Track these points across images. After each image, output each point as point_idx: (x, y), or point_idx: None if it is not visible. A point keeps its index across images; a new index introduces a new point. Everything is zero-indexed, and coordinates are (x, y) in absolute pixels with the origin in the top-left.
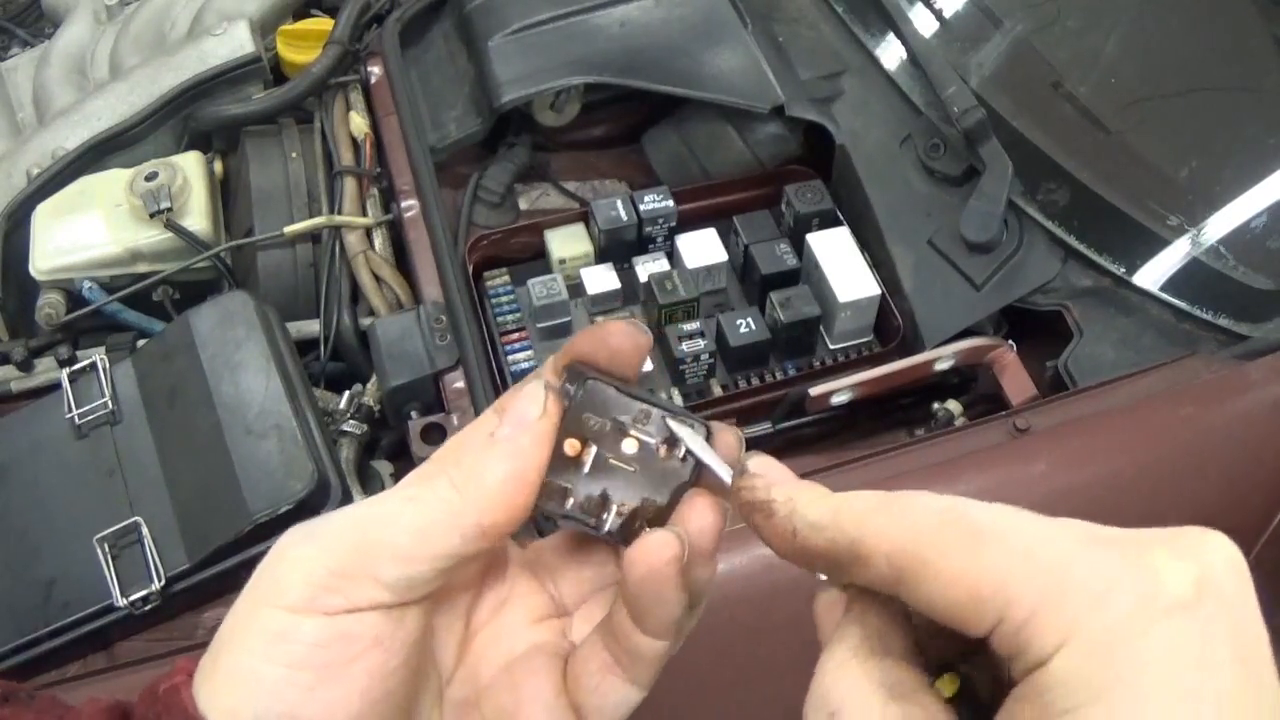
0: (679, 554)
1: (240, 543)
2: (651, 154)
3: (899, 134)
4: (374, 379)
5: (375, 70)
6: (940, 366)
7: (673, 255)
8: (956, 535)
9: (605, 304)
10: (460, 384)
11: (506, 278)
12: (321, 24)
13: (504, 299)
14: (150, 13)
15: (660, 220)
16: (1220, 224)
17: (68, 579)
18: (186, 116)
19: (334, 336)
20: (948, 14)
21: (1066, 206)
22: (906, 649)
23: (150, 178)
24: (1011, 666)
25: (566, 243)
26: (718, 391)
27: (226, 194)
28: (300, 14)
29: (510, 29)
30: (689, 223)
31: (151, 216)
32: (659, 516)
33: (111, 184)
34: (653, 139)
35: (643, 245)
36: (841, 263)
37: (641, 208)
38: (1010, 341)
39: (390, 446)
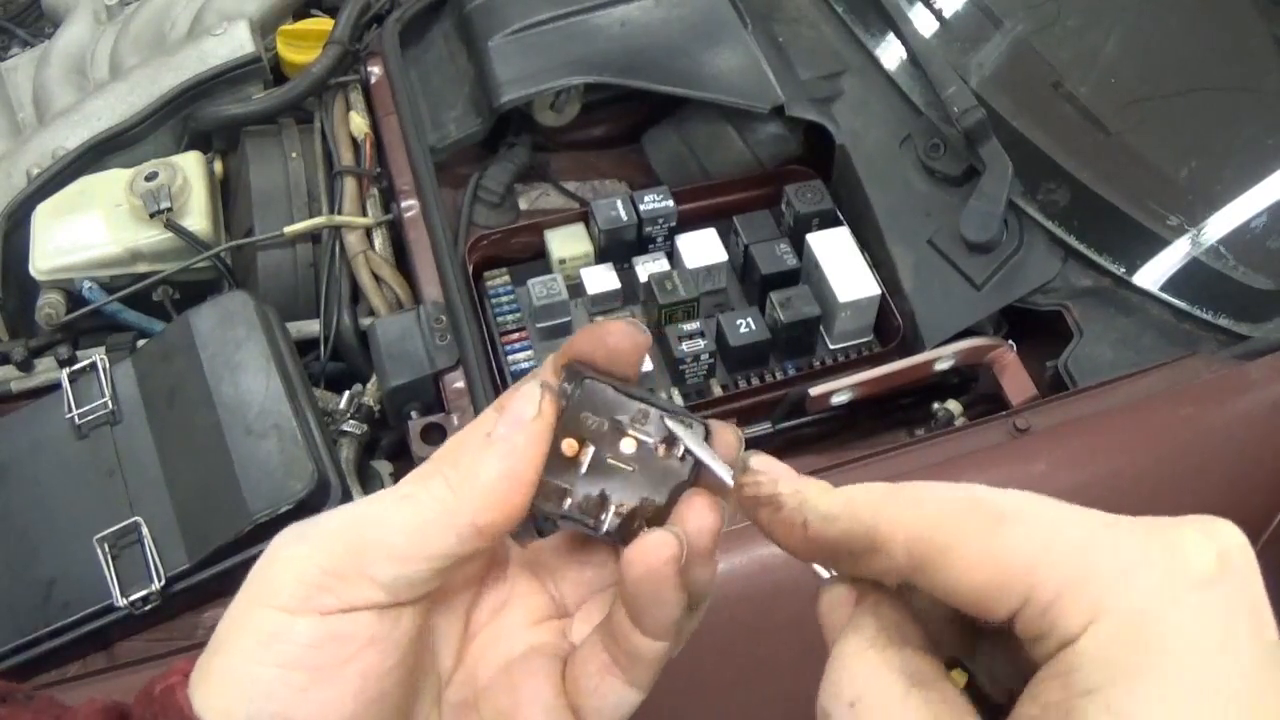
0: (677, 554)
1: (240, 543)
2: (651, 154)
3: (899, 134)
4: (374, 379)
5: (375, 70)
6: (940, 366)
7: (673, 255)
8: (978, 519)
9: (605, 304)
10: (460, 384)
11: (506, 278)
12: (321, 24)
13: (504, 299)
14: (150, 13)
15: (660, 220)
16: (1220, 224)
17: (68, 579)
18: (186, 116)
19: (334, 336)
20: (948, 14)
21: (1066, 206)
22: (921, 640)
23: (150, 178)
24: (1034, 649)
25: (566, 243)
26: (718, 391)
27: (226, 194)
28: (300, 14)
29: (510, 29)
30: (689, 223)
31: (151, 216)
32: (658, 516)
33: (111, 184)
34: (653, 139)
35: (643, 245)
36: (841, 263)
37: (641, 208)
38: (1010, 341)
39: (390, 446)
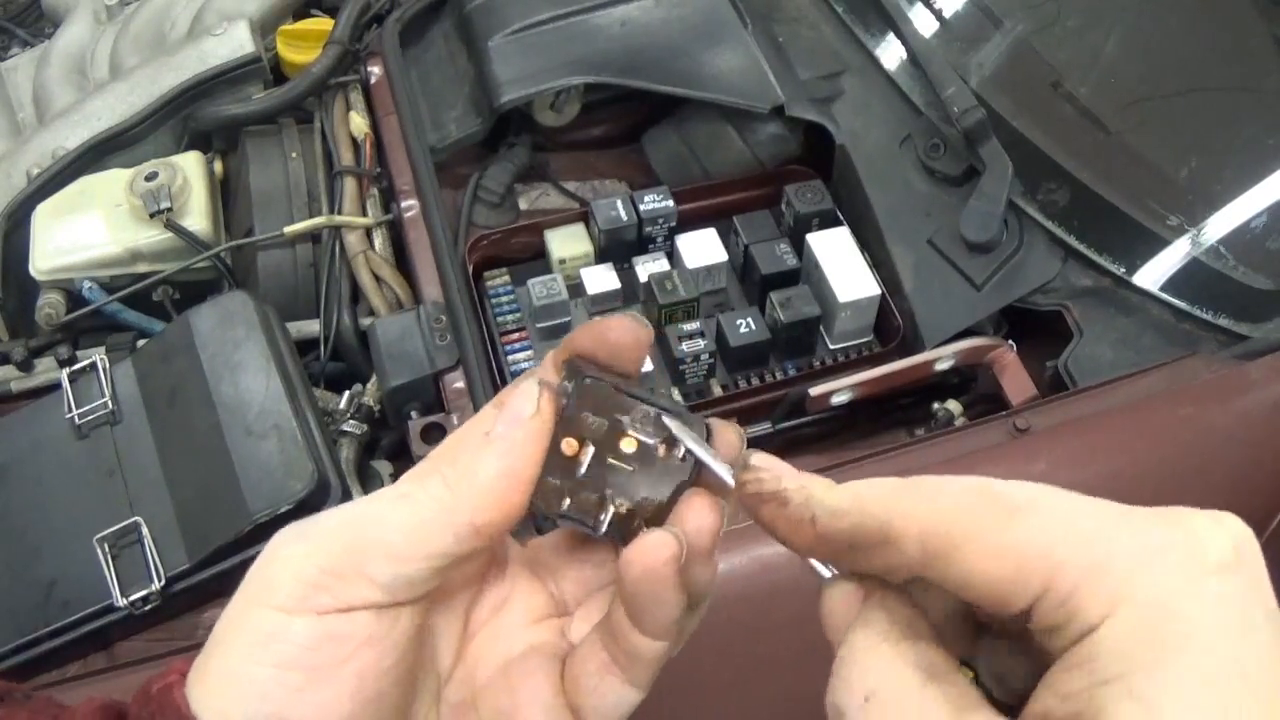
0: (676, 554)
1: (240, 543)
2: (651, 154)
3: (899, 134)
4: (374, 379)
5: (375, 70)
6: (940, 366)
7: (673, 255)
8: (994, 510)
9: (605, 304)
10: (460, 384)
11: (506, 278)
12: (321, 24)
13: (504, 299)
14: (150, 13)
15: (660, 220)
16: (1220, 224)
17: (68, 579)
18: (186, 116)
19: (334, 336)
20: (948, 14)
21: (1066, 206)
22: (931, 635)
23: (150, 178)
24: (1050, 642)
25: (566, 243)
26: (718, 391)
27: (226, 194)
28: (300, 14)
29: (510, 29)
30: (689, 223)
31: (151, 216)
32: (657, 516)
33: (111, 184)
34: (653, 139)
35: (643, 245)
36: (841, 263)
37: (641, 208)
38: (1010, 341)
39: (390, 446)
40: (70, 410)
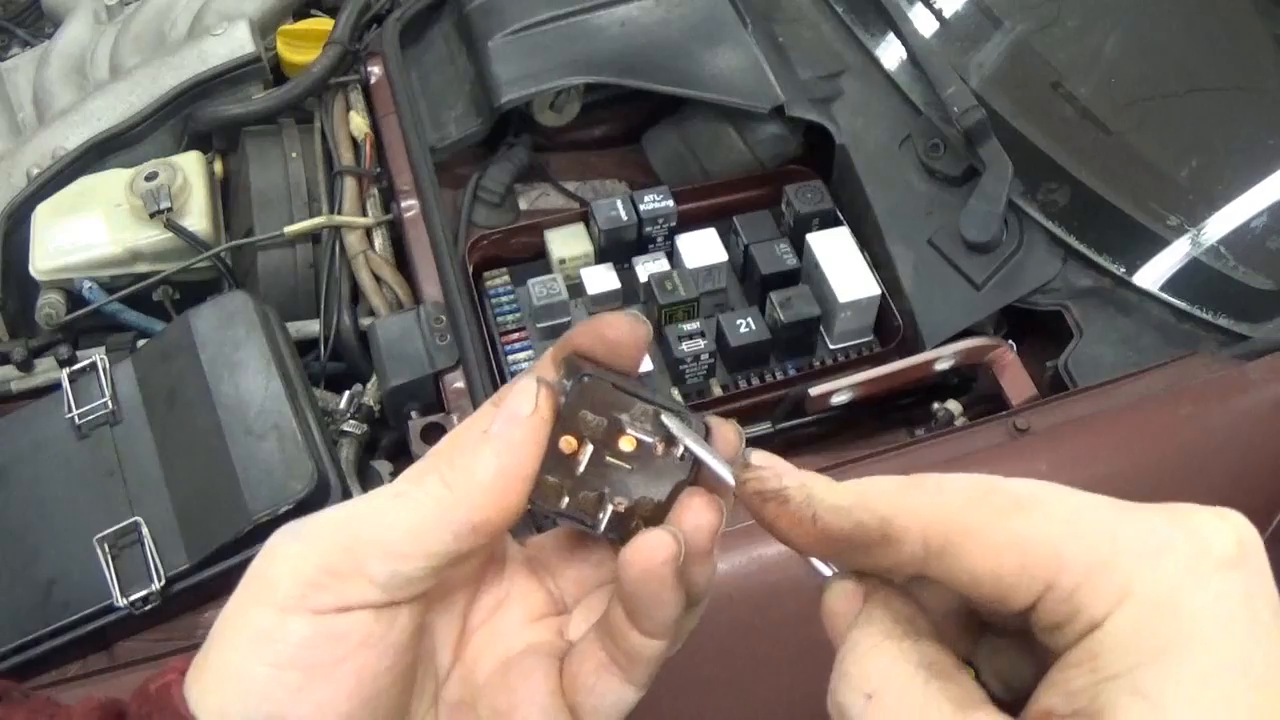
0: (675, 553)
1: (240, 543)
2: (651, 154)
3: (899, 134)
4: (374, 379)
5: (375, 70)
6: (940, 366)
7: (673, 255)
8: (997, 506)
9: (605, 304)
10: (460, 384)
11: (506, 278)
12: (321, 24)
13: (504, 299)
14: (150, 13)
15: (660, 220)
16: (1220, 224)
17: (68, 579)
18: (186, 116)
19: (334, 336)
20: (948, 14)
21: (1066, 206)
22: (933, 633)
23: (150, 178)
24: (1053, 639)
25: (566, 243)
26: (718, 391)
27: (226, 194)
28: (300, 14)
29: (510, 29)
30: (689, 223)
31: (151, 216)
32: (656, 515)
33: (111, 184)
34: (653, 139)
35: (643, 245)
36: (841, 263)
37: (641, 208)
38: (1010, 341)
39: (390, 446)
40: (70, 410)
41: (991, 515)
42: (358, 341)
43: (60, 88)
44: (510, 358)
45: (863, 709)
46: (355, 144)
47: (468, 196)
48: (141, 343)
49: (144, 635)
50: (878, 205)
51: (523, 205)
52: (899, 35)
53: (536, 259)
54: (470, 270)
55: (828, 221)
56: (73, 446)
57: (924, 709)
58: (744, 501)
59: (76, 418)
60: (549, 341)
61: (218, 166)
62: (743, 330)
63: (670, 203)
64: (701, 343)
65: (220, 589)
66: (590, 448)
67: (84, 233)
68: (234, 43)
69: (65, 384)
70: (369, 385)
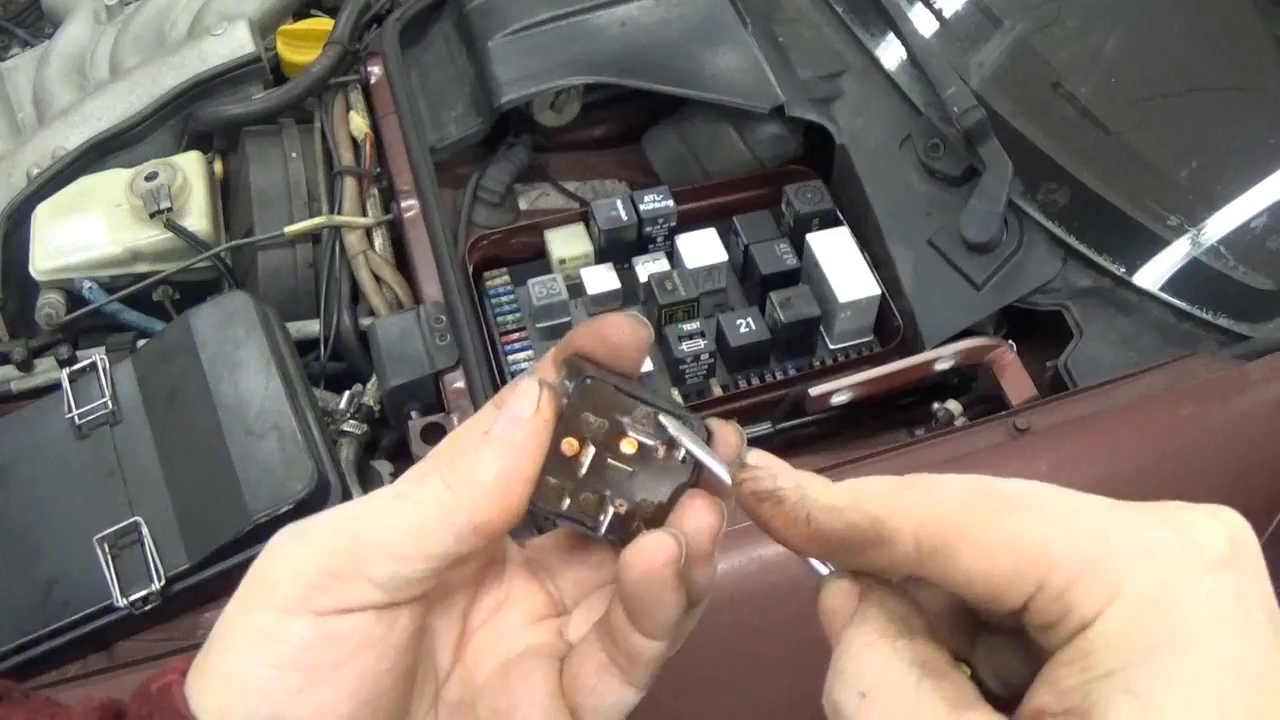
0: (676, 555)
1: (240, 543)
2: (651, 154)
3: (899, 134)
4: (374, 379)
5: (375, 70)
6: (940, 366)
7: (673, 255)
8: (989, 507)
9: (605, 304)
10: (460, 384)
11: (506, 278)
12: (321, 24)
13: (504, 299)
14: (150, 13)
15: (660, 220)
16: (1220, 224)
17: (68, 579)
18: (186, 116)
19: (334, 336)
20: (948, 14)
21: (1066, 206)
22: (927, 632)
23: (150, 178)
24: (1047, 638)
25: (566, 243)
26: (718, 391)
27: (226, 194)
28: (300, 14)
29: (510, 29)
30: (689, 223)
31: (151, 216)
32: (657, 517)
33: (111, 184)
34: (653, 139)
35: (643, 245)
36: (841, 263)
37: (641, 208)
38: (1010, 341)
39: (390, 446)
40: (70, 410)
41: (984, 516)
42: (358, 341)
43: (60, 88)
44: (510, 358)
45: (856, 707)
46: (355, 144)
47: (468, 196)
48: (141, 343)
49: (144, 635)
50: (878, 205)
51: (523, 205)
52: (899, 35)
53: (536, 259)
54: (470, 270)
55: (828, 221)
56: (73, 446)
57: (916, 707)
58: (740, 502)
59: (76, 418)
60: (549, 341)
61: (218, 166)
62: (743, 330)
63: (670, 203)
64: (701, 343)
65: (220, 589)
66: (591, 450)
67: (84, 233)
68: (234, 43)
69: (65, 384)
70: (369, 385)
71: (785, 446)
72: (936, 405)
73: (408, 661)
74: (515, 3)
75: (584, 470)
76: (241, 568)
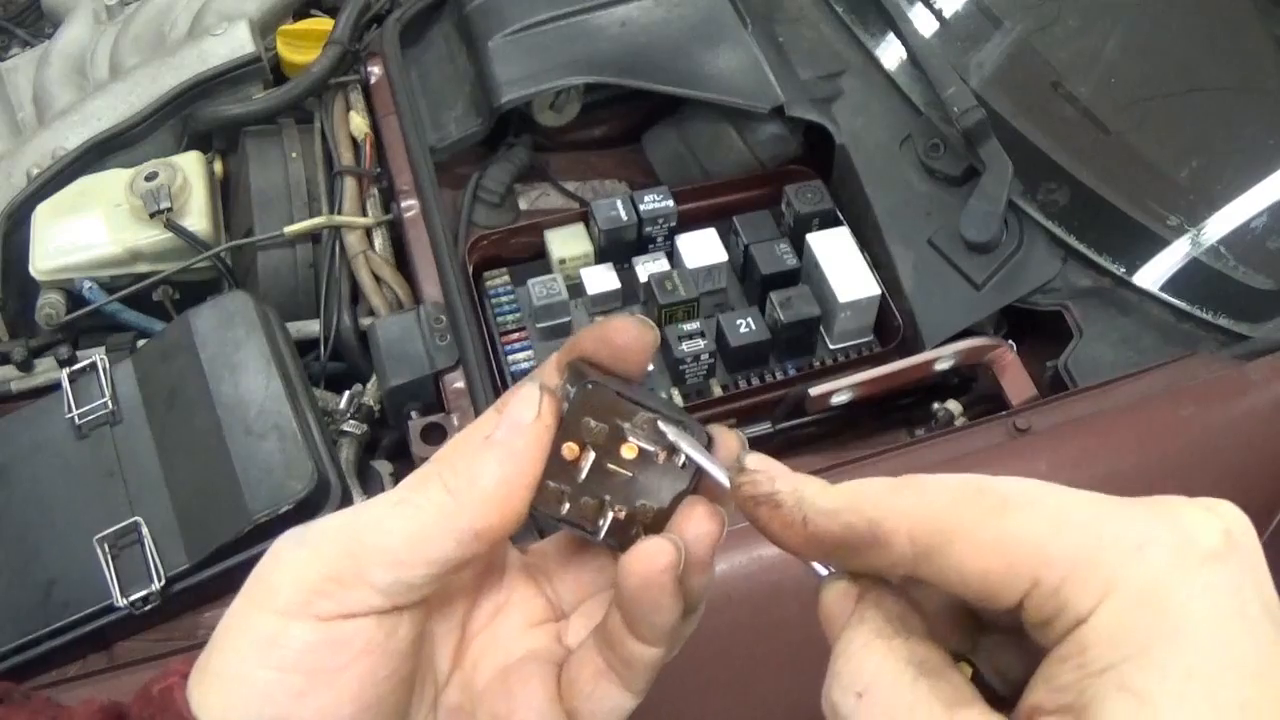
0: (675, 562)
1: (240, 543)
2: (651, 154)
3: (899, 134)
4: (374, 379)
5: (375, 70)
6: (940, 366)
7: (673, 255)
8: (983, 506)
9: (605, 304)
10: (460, 384)
11: (506, 278)
12: (321, 24)
13: (504, 299)
14: (150, 13)
15: (660, 220)
16: (1220, 224)
17: (68, 579)
18: (186, 116)
19: (334, 336)
20: (948, 14)
21: (1066, 206)
22: (925, 631)
23: (150, 178)
24: (1043, 636)
25: (566, 243)
26: (718, 391)
27: (226, 194)
28: (300, 14)
29: (510, 29)
30: (689, 223)
31: (151, 216)
32: (657, 523)
33: (111, 184)
34: (653, 139)
35: (643, 245)
36: (841, 263)
37: (641, 208)
38: (1010, 341)
39: (390, 446)
40: (70, 410)
41: (978, 515)
42: (358, 341)
43: (60, 88)
44: (510, 358)
45: (853, 707)
46: (355, 144)
47: (468, 196)
48: (141, 343)
49: (144, 635)
50: (878, 205)
51: (523, 205)
52: (899, 35)
53: (536, 259)
54: (470, 270)
55: (828, 221)
56: (73, 446)
57: (913, 707)
58: (738, 505)
59: (76, 418)
60: (549, 342)
61: (218, 166)
62: (743, 330)
63: (670, 203)
64: (701, 343)
65: (220, 589)
66: (592, 454)
67: (84, 233)
68: (234, 43)
69: (65, 384)
70: (369, 385)
71: (785, 446)
72: (936, 405)
73: (408, 666)
74: (515, 3)
75: (584, 475)
76: (242, 567)
